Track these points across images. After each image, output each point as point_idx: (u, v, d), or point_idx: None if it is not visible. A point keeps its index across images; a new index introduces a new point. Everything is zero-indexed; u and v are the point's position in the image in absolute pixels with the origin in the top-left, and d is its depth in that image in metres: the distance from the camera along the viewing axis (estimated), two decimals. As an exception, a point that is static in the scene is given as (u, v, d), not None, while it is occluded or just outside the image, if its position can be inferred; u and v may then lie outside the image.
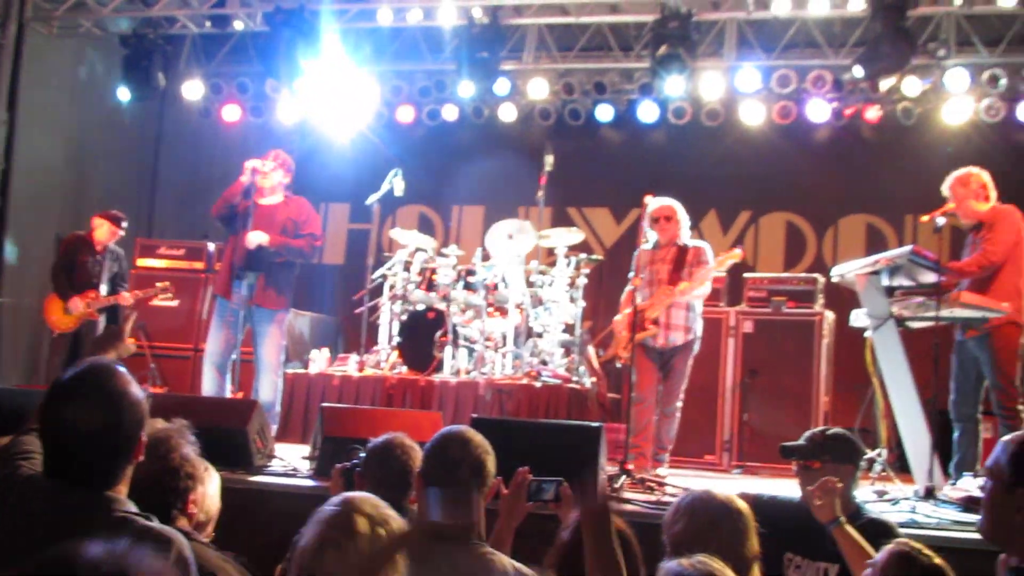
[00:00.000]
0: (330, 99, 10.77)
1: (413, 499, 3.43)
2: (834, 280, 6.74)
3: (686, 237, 7.19)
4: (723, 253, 7.17)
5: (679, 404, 7.06)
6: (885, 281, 6.22)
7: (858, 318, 6.47)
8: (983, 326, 6.25)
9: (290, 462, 6.10)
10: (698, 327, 7.12)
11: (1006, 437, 2.41)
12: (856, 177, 10.65)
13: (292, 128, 11.60)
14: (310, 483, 5.69)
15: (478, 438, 3.28)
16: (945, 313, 5.96)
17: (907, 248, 6.09)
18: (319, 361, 9.16)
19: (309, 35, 9.40)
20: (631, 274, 7.05)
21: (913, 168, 9.93)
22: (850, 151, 10.59)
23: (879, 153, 10.49)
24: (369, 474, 3.55)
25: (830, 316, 8.42)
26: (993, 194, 6.60)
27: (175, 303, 9.83)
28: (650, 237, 7.24)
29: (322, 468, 5.64)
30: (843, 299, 7.16)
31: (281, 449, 6.50)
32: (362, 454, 3.77)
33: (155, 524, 2.48)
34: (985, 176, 6.62)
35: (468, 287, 8.78)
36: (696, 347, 7.13)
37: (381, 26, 10.37)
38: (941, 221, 6.23)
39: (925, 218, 6.42)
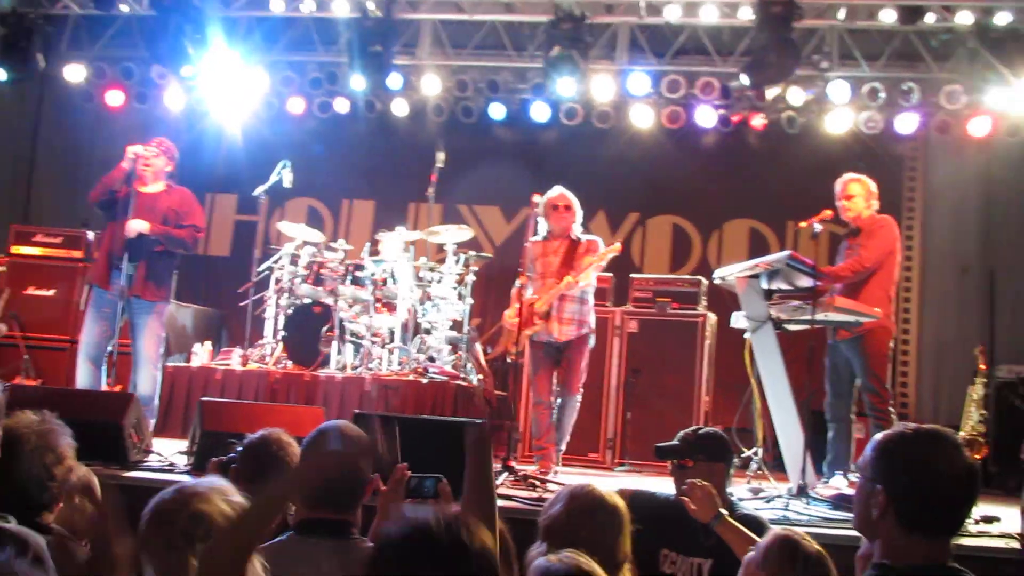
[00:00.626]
0: (218, 87, 10.55)
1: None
2: (716, 282, 6.88)
3: (579, 231, 7.25)
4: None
5: (579, 396, 7.11)
6: (764, 284, 6.37)
7: (738, 320, 6.62)
8: (855, 329, 6.47)
9: (167, 457, 6.01)
10: (591, 320, 7.18)
11: (876, 435, 2.51)
12: (741, 182, 10.91)
13: (178, 116, 11.30)
14: (187, 479, 5.58)
15: (356, 433, 3.27)
16: (820, 316, 6.14)
17: (785, 253, 6.27)
18: (202, 354, 8.99)
19: (197, 21, 9.20)
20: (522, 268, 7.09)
21: (796, 175, 10.23)
22: (736, 157, 10.81)
23: (764, 160, 10.73)
24: (244, 469, 3.50)
25: (712, 317, 8.58)
26: (876, 204, 6.85)
27: (51, 292, 9.52)
28: (541, 229, 7.27)
29: (200, 463, 5.58)
30: (725, 301, 7.31)
31: (161, 444, 6.40)
32: (239, 448, 3.71)
33: (11, 525, 2.39)
34: (873, 185, 6.87)
35: (356, 282, 8.72)
36: (592, 340, 7.19)
37: (273, 15, 10.20)
38: (818, 228, 6.43)
39: (803, 224, 6.61)
